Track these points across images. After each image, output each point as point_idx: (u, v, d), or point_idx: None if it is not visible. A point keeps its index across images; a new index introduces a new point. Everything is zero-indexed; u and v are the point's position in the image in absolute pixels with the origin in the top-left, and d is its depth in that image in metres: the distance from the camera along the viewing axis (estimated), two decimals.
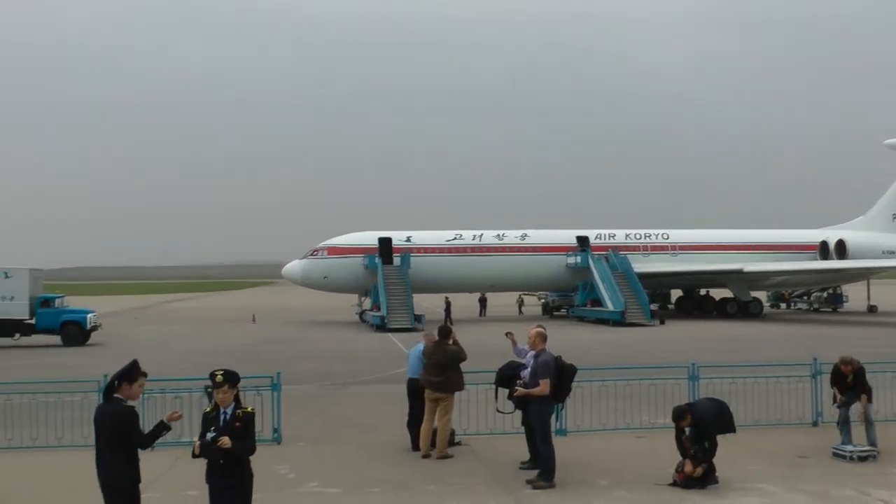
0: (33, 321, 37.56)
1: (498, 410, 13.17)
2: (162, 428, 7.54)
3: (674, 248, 55.52)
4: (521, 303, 63.73)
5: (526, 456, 12.66)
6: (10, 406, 15.27)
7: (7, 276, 37.42)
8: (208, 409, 7.81)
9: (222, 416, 7.62)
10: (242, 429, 7.60)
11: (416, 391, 14.06)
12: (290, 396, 16.63)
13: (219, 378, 7.65)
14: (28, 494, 11.63)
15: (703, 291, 58.45)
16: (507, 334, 13.58)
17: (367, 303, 50.32)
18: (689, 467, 11.37)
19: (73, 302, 45.29)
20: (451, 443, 13.91)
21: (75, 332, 37.59)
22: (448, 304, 51.74)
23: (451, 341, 13.79)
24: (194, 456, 7.70)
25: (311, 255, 51.76)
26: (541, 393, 11.77)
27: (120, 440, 7.29)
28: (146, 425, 8.61)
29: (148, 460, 8.23)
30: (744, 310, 52.30)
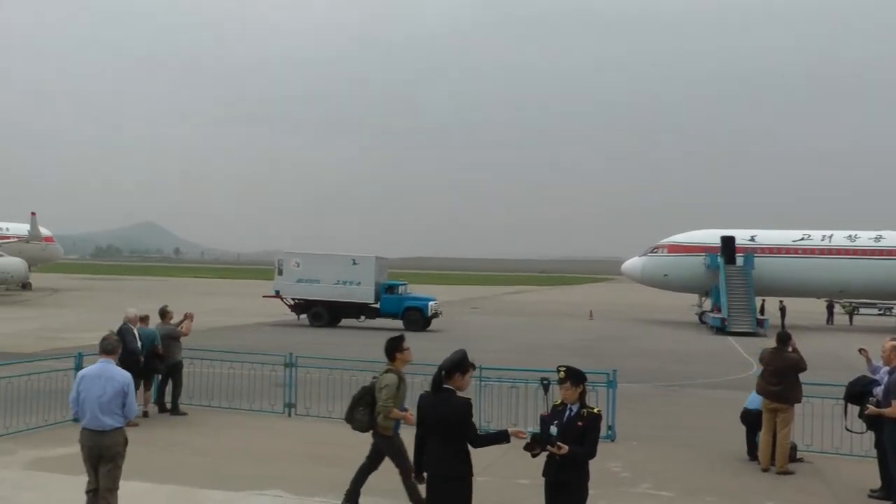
0: (378, 306, 41.21)
1: (847, 429, 12.47)
2: (502, 437, 7.59)
3: None
4: (851, 310, 58.64)
5: (877, 483, 11.87)
6: (354, 381, 17.01)
7: (355, 264, 41.50)
8: (557, 402, 7.80)
9: (567, 412, 7.62)
10: (583, 429, 7.51)
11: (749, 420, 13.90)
12: (625, 394, 16.94)
13: (561, 374, 7.66)
14: (349, 459, 12.93)
15: None
16: (860, 351, 12.82)
17: (708, 303, 49.53)
18: None
19: (416, 290, 48.79)
20: (793, 458, 13.42)
21: (417, 318, 40.50)
22: (783, 308, 49.70)
23: (790, 348, 13.34)
24: (527, 448, 7.55)
25: (651, 252, 51.74)
26: (892, 414, 11.08)
27: (454, 432, 7.33)
28: (478, 413, 9.15)
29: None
30: None
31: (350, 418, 10.46)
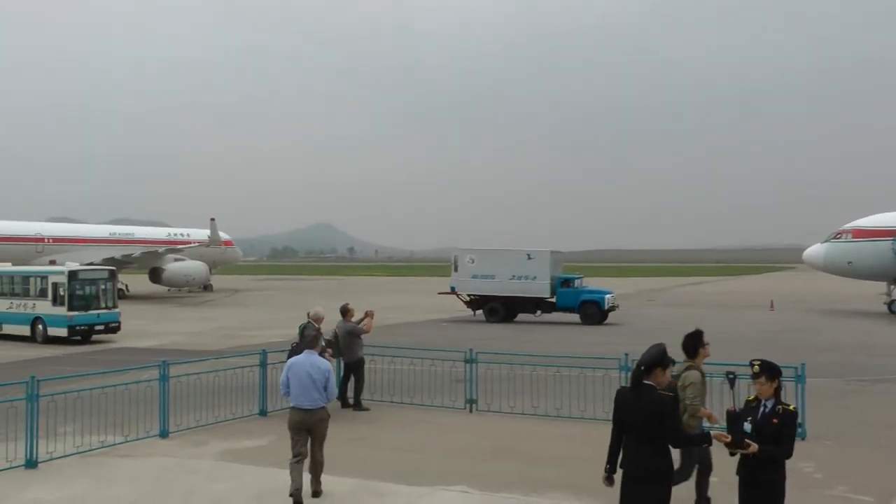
0: (554, 300, 40.87)
1: None
2: (705, 439, 7.47)
3: None
4: None
5: None
6: (535, 377, 17.04)
7: (530, 258, 41.33)
8: (750, 398, 7.59)
9: (761, 408, 7.41)
10: (779, 427, 7.28)
11: None
12: (812, 389, 16.19)
13: (756, 368, 7.45)
14: (554, 457, 12.75)
15: None
16: None
17: None
18: None
19: (591, 283, 48.27)
20: None
21: (593, 312, 40.08)
22: None
23: None
24: (729, 447, 7.33)
25: (834, 238, 49.10)
26: None
27: (655, 430, 7.17)
28: None
29: None
30: None
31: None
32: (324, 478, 11.08)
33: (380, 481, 11.56)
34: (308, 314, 16.58)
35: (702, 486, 10.23)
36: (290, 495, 10.38)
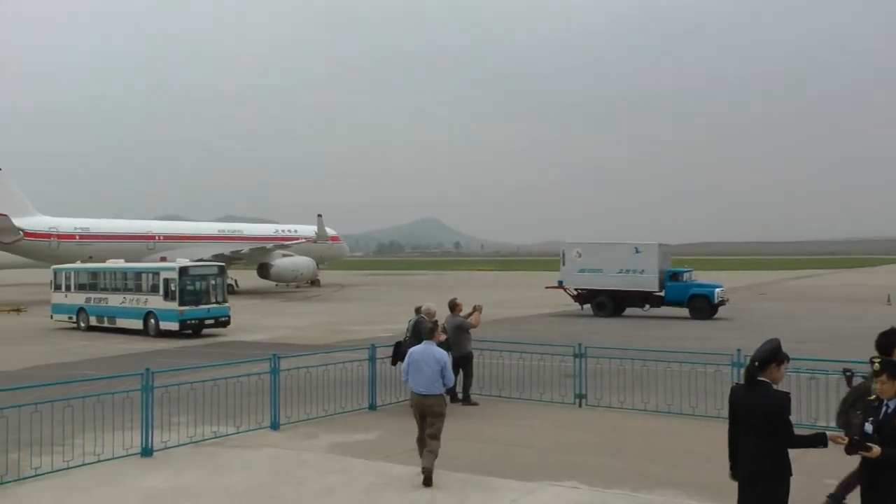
0: (662, 293, 40.40)
1: None
2: (819, 441, 7.10)
3: None
4: None
5: None
6: (645, 372, 16.86)
7: (638, 252, 40.93)
8: (871, 398, 7.34)
9: (883, 409, 7.10)
10: None
11: None
12: None
13: (876, 366, 7.17)
14: (665, 454, 12.50)
15: None
16: None
17: None
18: None
19: (700, 276, 47.40)
20: None
21: (703, 306, 39.40)
22: None
23: None
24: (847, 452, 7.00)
25: None
26: None
27: (771, 427, 7.02)
28: None
29: None
30: None
31: (845, 423, 9.61)
32: (434, 473, 11.24)
33: (490, 476, 11.59)
34: (420, 309, 16.77)
35: (848, 485, 9.84)
36: (422, 472, 11.34)
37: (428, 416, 11.60)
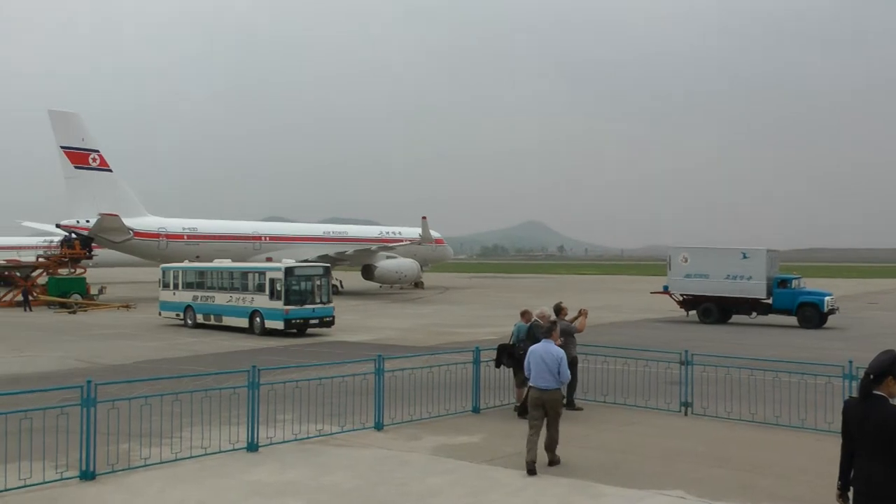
0: (770, 301, 39.43)
1: None
2: None
3: None
4: None
5: None
6: (753, 381, 16.42)
7: (745, 257, 40.06)
8: None
9: None
10: None
11: None
12: None
13: None
14: (773, 467, 12.17)
15: None
16: None
17: None
18: None
19: (809, 284, 46.18)
20: None
21: (812, 315, 38.45)
22: None
23: None
24: None
25: None
26: None
27: (887, 445, 6.60)
28: None
29: None
30: None
31: None
32: (538, 478, 11.38)
33: (595, 482, 11.51)
34: (524, 313, 17.07)
35: None
36: (526, 464, 12.07)
37: (548, 411, 12.52)
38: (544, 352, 12.70)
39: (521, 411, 16.54)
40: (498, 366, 16.93)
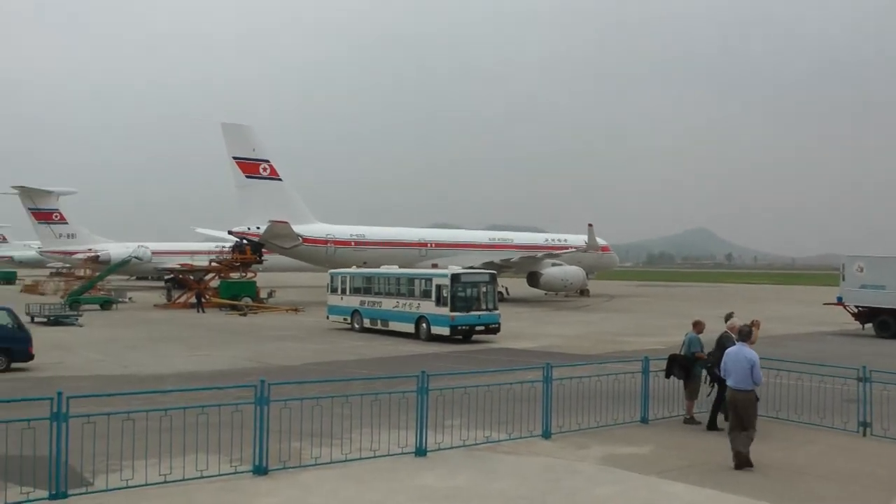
0: None
1: None
2: None
3: None
4: None
5: None
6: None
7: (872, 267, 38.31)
8: None
9: None
10: None
11: None
12: None
13: None
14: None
15: None
16: None
17: None
18: None
19: None
20: None
21: None
22: None
23: None
24: None
25: None
26: None
27: None
28: None
29: None
30: None
31: None
32: (708, 492, 11.29)
33: (766, 502, 11.20)
34: (696, 323, 17.27)
35: None
36: (734, 455, 13.20)
37: (740, 408, 13.46)
38: (739, 354, 13.73)
39: (710, 425, 16.21)
40: (668, 376, 16.62)
